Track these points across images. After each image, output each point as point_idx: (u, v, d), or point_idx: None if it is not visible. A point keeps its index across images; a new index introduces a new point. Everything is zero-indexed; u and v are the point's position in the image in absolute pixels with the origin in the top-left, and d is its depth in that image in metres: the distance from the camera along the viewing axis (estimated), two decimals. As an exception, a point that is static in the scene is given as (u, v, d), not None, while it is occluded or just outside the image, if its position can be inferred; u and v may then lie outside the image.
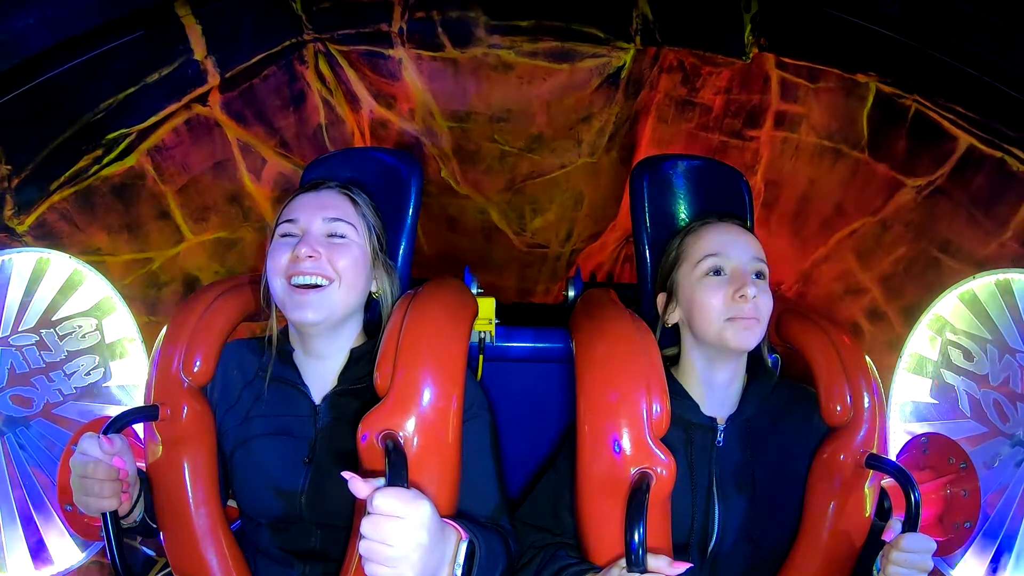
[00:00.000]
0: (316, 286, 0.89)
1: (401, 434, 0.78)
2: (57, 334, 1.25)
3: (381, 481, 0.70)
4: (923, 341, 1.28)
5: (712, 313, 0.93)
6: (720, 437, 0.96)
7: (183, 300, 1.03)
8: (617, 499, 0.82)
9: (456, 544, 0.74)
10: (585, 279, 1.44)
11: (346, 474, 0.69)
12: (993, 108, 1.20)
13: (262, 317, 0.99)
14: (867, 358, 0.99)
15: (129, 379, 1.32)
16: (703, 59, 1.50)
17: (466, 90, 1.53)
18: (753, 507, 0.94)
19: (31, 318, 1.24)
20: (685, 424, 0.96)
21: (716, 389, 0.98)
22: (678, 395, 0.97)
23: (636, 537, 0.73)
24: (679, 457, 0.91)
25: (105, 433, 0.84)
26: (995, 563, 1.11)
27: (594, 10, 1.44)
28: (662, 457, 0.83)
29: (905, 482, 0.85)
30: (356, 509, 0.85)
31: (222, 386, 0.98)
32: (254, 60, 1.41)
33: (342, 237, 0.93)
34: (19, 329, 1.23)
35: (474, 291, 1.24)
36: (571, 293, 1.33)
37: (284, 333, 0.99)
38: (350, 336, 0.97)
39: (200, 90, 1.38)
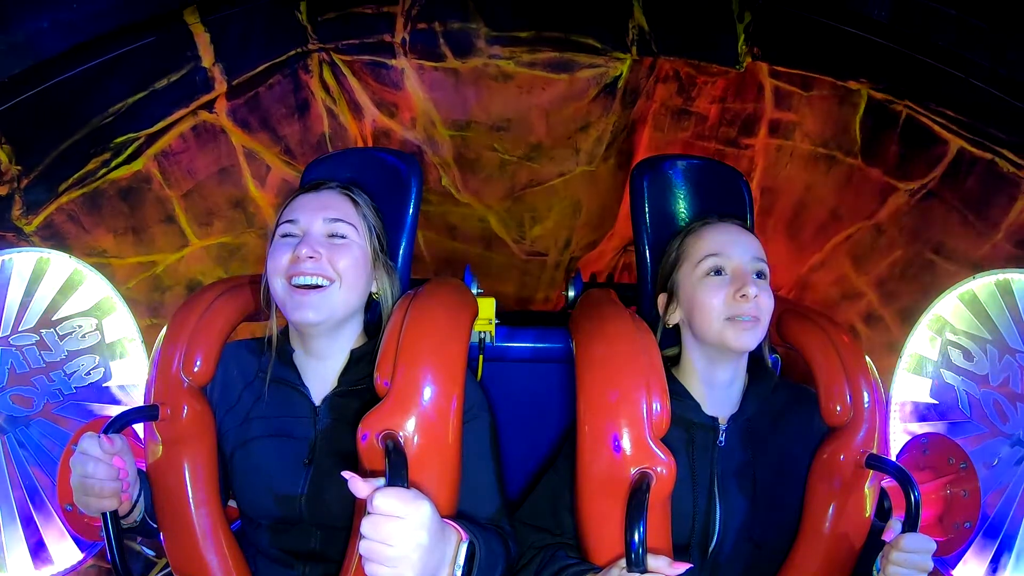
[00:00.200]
0: (317, 286, 0.89)
1: (401, 434, 0.78)
2: (57, 334, 1.26)
3: (381, 481, 0.69)
4: (923, 341, 1.28)
5: (713, 313, 0.93)
6: (722, 437, 0.96)
7: (183, 300, 1.03)
8: (617, 499, 0.81)
9: (456, 545, 0.74)
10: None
11: (346, 474, 0.69)
12: (982, 111, 1.22)
13: (262, 317, 0.99)
14: (867, 358, 0.99)
15: (129, 379, 1.32)
16: (698, 68, 1.53)
17: (467, 99, 1.56)
18: (754, 507, 0.94)
19: (31, 318, 1.25)
20: (687, 424, 0.96)
21: (717, 389, 0.98)
22: (679, 395, 0.97)
23: (636, 537, 0.73)
24: (680, 457, 0.91)
25: (105, 433, 0.84)
26: (995, 563, 1.10)
27: (591, 21, 1.48)
28: (662, 457, 0.83)
29: (905, 482, 0.85)
30: (356, 509, 0.85)
31: (222, 387, 0.98)
32: (260, 69, 1.44)
33: (343, 237, 0.93)
34: (19, 329, 1.23)
35: (474, 291, 1.24)
36: (571, 293, 1.33)
37: (284, 334, 0.99)
38: (350, 337, 0.97)
39: (207, 97, 1.41)
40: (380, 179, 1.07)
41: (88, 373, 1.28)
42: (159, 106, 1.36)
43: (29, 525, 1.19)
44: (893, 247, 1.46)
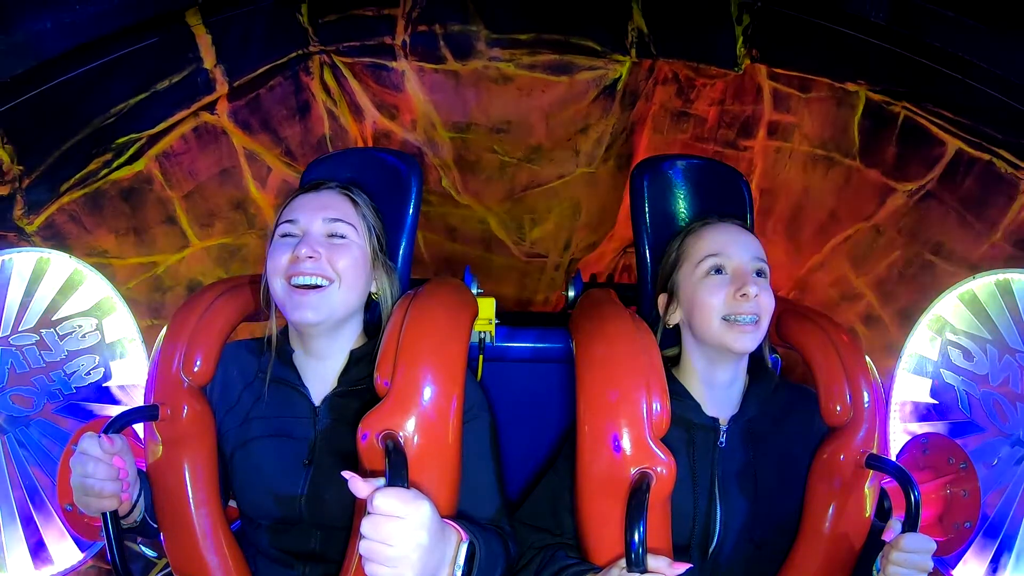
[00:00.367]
0: (316, 286, 0.89)
1: (401, 434, 0.78)
2: (57, 334, 1.26)
3: (381, 481, 0.69)
4: (923, 341, 1.28)
5: (713, 312, 0.93)
6: (723, 438, 0.96)
7: (183, 300, 1.03)
8: (617, 499, 0.81)
9: (456, 545, 0.73)
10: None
11: (346, 474, 0.69)
12: (980, 112, 1.23)
13: (262, 318, 0.99)
14: (867, 358, 1.00)
15: (129, 379, 1.32)
16: (697, 71, 1.54)
17: (467, 101, 1.57)
18: (754, 508, 0.94)
19: (31, 318, 1.25)
20: (687, 424, 0.96)
21: (717, 389, 0.98)
22: (680, 395, 0.97)
23: (636, 537, 0.73)
24: (681, 457, 0.91)
25: (105, 433, 0.84)
26: (995, 563, 1.10)
27: (591, 24, 1.49)
28: (662, 457, 0.82)
29: (905, 482, 0.85)
30: (356, 509, 0.85)
31: (222, 387, 0.98)
32: (261, 70, 1.45)
33: (342, 237, 0.93)
34: (19, 329, 1.23)
35: (474, 291, 1.24)
36: (571, 293, 1.33)
37: (284, 334, 0.99)
38: (350, 337, 0.97)
39: (208, 98, 1.41)
40: (380, 179, 1.07)
41: (88, 373, 1.28)
42: (160, 107, 1.36)
43: (29, 525, 1.19)
44: (892, 248, 1.46)
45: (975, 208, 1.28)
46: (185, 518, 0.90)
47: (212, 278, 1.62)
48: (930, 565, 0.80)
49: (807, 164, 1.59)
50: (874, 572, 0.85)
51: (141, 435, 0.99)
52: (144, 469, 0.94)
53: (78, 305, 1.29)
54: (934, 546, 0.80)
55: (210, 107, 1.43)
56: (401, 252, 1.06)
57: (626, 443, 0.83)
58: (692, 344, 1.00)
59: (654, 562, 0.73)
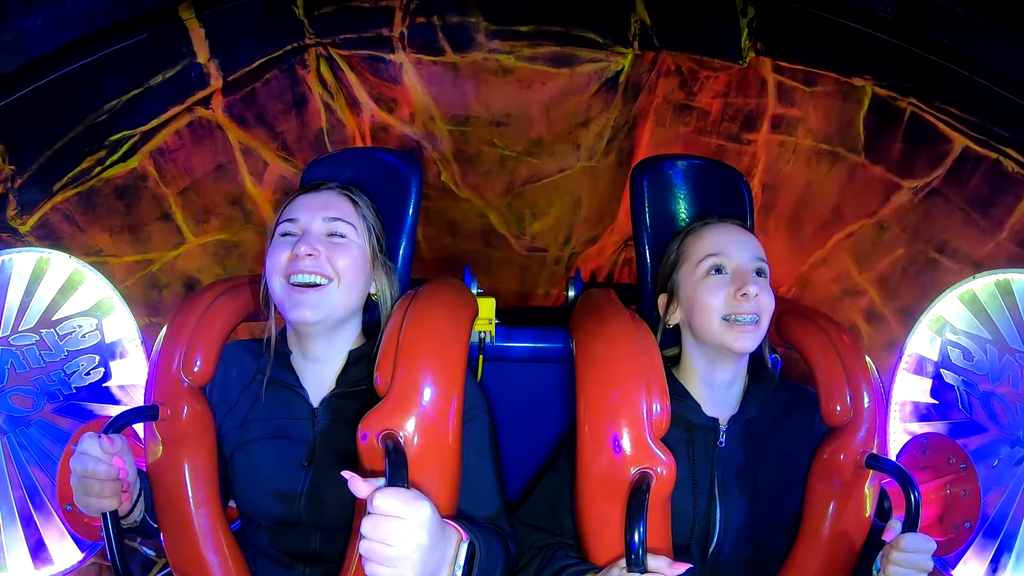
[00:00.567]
0: (315, 285, 0.89)
1: (401, 434, 0.78)
2: (57, 334, 1.25)
3: (381, 481, 0.69)
4: (923, 341, 1.28)
5: (713, 312, 0.93)
6: (722, 438, 0.96)
7: (183, 300, 1.03)
8: (617, 499, 0.81)
9: (456, 545, 0.74)
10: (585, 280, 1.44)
11: (346, 474, 0.69)
12: (987, 109, 1.21)
13: (262, 318, 0.99)
14: (867, 358, 0.99)
15: (129, 379, 1.32)
16: (700, 63, 1.52)
17: (466, 94, 1.55)
18: (754, 508, 0.94)
19: (31, 318, 1.24)
20: (687, 424, 0.96)
21: (717, 389, 0.98)
22: (680, 395, 0.97)
23: (636, 537, 0.73)
24: (681, 457, 0.91)
25: (105, 433, 0.84)
26: (995, 563, 1.11)
27: (593, 15, 1.46)
28: (662, 457, 0.83)
29: (905, 482, 0.85)
30: (356, 509, 0.85)
31: (221, 388, 0.98)
32: (256, 64, 1.42)
33: (342, 237, 0.93)
34: (19, 329, 1.23)
35: (474, 291, 1.24)
36: (571, 293, 1.33)
37: (282, 335, 0.99)
38: (349, 337, 0.97)
39: (203, 93, 1.39)
40: (380, 179, 1.06)
41: (88, 373, 1.28)
42: (154, 103, 1.34)
43: (29, 525, 1.19)
44: (895, 245, 1.45)
45: (981, 207, 1.27)
46: (185, 518, 0.91)
47: (209, 274, 1.61)
48: (930, 565, 0.80)
49: (811, 159, 1.57)
50: (874, 572, 0.86)
51: (141, 435, 0.99)
52: (144, 469, 0.95)
53: (78, 305, 1.29)
54: (934, 546, 0.80)
55: (204, 102, 1.41)
56: (401, 252, 1.06)
57: (626, 443, 0.83)
58: (692, 344, 0.99)
59: (654, 562, 0.74)
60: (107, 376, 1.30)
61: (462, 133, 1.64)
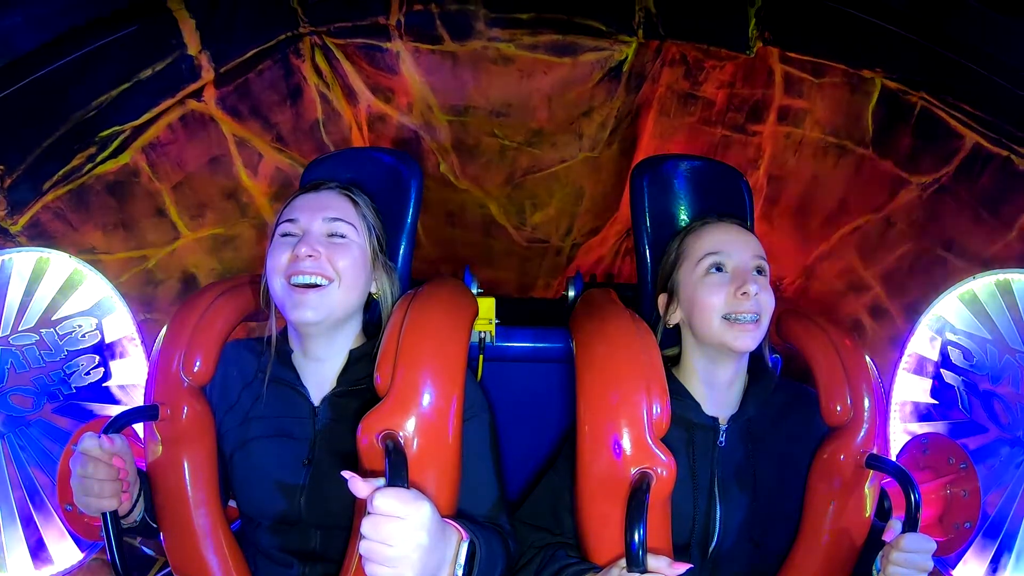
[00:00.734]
0: (316, 285, 0.89)
1: (401, 434, 0.78)
2: (57, 334, 1.25)
3: (381, 481, 0.69)
4: (923, 341, 1.28)
5: (713, 312, 0.93)
6: (722, 437, 0.96)
7: (183, 299, 1.02)
8: (617, 499, 0.82)
9: (457, 544, 0.74)
10: (585, 273, 1.44)
11: (346, 473, 0.69)
12: (1000, 107, 1.19)
13: (262, 317, 0.99)
14: (868, 358, 0.99)
15: (129, 379, 1.32)
16: (706, 53, 1.48)
17: (465, 84, 1.51)
18: (754, 507, 0.94)
19: (31, 318, 1.24)
20: (687, 424, 0.96)
21: (717, 389, 0.98)
22: (679, 395, 0.97)
23: (636, 537, 0.73)
24: (681, 457, 0.92)
25: (105, 433, 0.84)
26: (995, 563, 1.12)
27: (596, 3, 1.42)
28: (662, 457, 0.83)
29: (905, 482, 0.85)
30: (356, 509, 0.86)
31: (221, 387, 0.98)
32: (249, 54, 1.38)
33: (342, 237, 0.92)
34: (19, 329, 1.23)
35: (474, 291, 1.24)
36: (571, 293, 1.33)
37: (283, 334, 0.99)
38: (349, 337, 0.97)
39: (194, 85, 1.36)
40: (380, 180, 1.06)
41: (88, 373, 1.28)
42: (145, 97, 1.31)
43: (29, 525, 1.20)
44: (902, 241, 1.43)
45: (990, 205, 1.25)
46: (185, 518, 0.92)
47: (205, 269, 1.59)
48: (930, 565, 0.81)
49: (818, 151, 1.54)
50: (874, 572, 0.87)
51: (141, 435, 0.99)
52: (144, 469, 0.95)
53: (78, 305, 1.28)
54: (934, 546, 0.81)
55: (197, 94, 1.37)
56: (401, 252, 1.06)
57: (626, 443, 0.83)
58: (692, 344, 0.99)
59: (654, 562, 0.74)
60: (107, 376, 1.30)
61: (461, 123, 1.61)
